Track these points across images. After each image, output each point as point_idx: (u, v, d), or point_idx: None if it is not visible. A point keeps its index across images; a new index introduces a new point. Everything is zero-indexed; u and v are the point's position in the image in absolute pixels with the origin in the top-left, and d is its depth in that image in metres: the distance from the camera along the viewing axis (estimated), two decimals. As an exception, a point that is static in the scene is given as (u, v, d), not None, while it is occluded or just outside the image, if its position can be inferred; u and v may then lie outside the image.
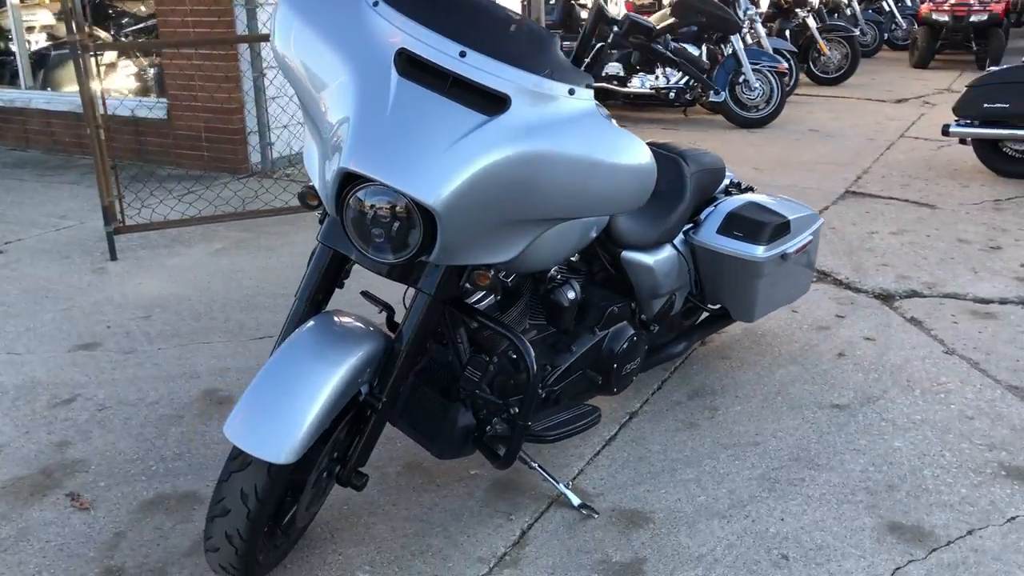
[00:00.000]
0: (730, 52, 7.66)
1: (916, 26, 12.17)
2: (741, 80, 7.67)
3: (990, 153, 5.91)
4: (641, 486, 2.52)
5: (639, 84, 7.74)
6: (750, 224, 2.83)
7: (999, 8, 11.40)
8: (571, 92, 1.91)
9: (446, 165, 1.77)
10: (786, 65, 7.91)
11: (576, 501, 2.42)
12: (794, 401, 2.98)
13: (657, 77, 7.65)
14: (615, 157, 1.90)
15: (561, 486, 2.45)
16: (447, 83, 1.87)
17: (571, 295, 2.45)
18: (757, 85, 7.68)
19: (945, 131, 5.88)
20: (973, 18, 11.28)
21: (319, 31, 2.01)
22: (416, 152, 1.78)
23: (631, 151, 1.92)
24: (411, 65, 1.89)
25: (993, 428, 2.78)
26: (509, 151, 1.80)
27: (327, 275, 2.14)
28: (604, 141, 1.90)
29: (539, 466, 2.46)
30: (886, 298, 3.85)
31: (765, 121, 7.79)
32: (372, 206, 1.84)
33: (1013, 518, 2.34)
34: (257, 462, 1.84)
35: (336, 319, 2.06)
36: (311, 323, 2.01)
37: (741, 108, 7.79)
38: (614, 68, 7.78)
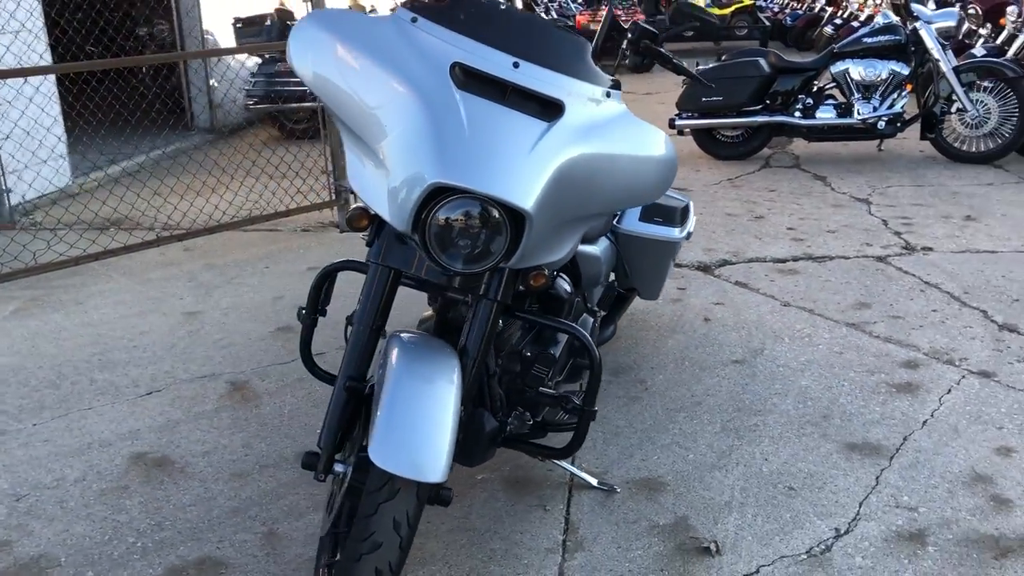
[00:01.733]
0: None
1: (577, 36, 13.43)
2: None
3: (707, 140, 6.83)
4: (633, 458, 2.72)
5: (832, 115, 6.53)
6: (664, 210, 3.14)
7: (641, 16, 12.98)
8: (608, 95, 2.09)
9: (529, 170, 1.85)
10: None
11: (594, 481, 2.57)
12: (701, 363, 3.35)
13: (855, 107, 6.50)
14: (651, 150, 2.10)
15: (578, 471, 2.58)
16: (505, 93, 1.94)
17: (567, 288, 2.59)
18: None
19: (671, 124, 6.69)
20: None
21: (358, 48, 1.99)
22: (501, 161, 1.84)
23: (661, 144, 2.14)
24: (466, 77, 1.94)
25: (861, 357, 3.35)
26: (573, 152, 1.92)
27: (387, 296, 2.10)
28: (641, 137, 2.09)
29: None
30: (705, 269, 4.39)
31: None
32: (458, 218, 1.86)
33: (925, 421, 2.87)
34: (406, 488, 1.80)
35: (414, 338, 2.04)
36: (400, 347, 1.96)
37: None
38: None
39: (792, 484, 2.55)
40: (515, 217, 1.87)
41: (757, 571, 2.19)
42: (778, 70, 6.46)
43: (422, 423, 1.80)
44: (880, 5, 10.96)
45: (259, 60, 8.01)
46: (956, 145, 6.45)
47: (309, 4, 4.91)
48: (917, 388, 3.09)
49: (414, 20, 2.02)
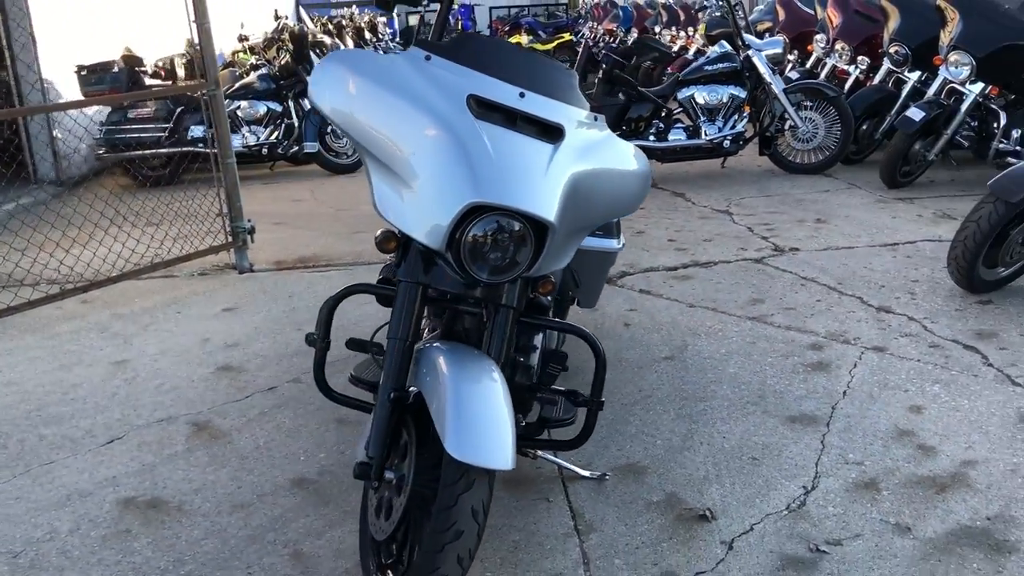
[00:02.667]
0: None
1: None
2: (329, 130, 8.14)
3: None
4: (609, 449, 2.98)
5: (683, 137, 7.04)
6: (603, 224, 3.43)
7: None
8: (595, 119, 2.37)
9: (548, 187, 2.10)
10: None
11: (585, 472, 2.80)
12: (636, 363, 3.66)
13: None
14: (633, 166, 2.40)
15: (568, 464, 2.81)
16: (514, 120, 2.19)
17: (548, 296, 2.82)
18: (344, 133, 8.22)
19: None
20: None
21: (379, 85, 2.18)
22: (525, 180, 2.08)
23: (641, 159, 2.45)
24: (480, 107, 2.17)
25: (772, 344, 3.77)
26: (577, 169, 2.19)
27: (418, 310, 2.25)
28: (625, 154, 2.39)
29: (539, 454, 2.78)
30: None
31: (357, 166, 8.36)
32: (488, 234, 2.07)
33: (844, 392, 3.30)
34: (480, 478, 1.96)
35: (448, 346, 2.21)
36: (442, 355, 2.12)
37: (334, 156, 8.27)
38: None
39: (754, 455, 2.89)
40: (537, 229, 2.10)
41: (751, 529, 2.49)
42: (632, 98, 6.98)
43: (487, 417, 1.97)
44: (692, 38, 11.89)
45: (108, 108, 7.77)
46: (791, 158, 7.18)
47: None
48: (828, 366, 3.52)
49: (428, 58, 2.23)
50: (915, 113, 6.06)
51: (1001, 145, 6.09)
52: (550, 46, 15.61)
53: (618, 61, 2.64)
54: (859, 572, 2.28)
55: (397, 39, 18.85)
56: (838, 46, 7.87)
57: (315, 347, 2.51)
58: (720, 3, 7.18)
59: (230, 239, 5.16)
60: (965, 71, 6.04)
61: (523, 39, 15.61)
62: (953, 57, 6.09)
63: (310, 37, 8.57)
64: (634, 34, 15.80)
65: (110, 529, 2.61)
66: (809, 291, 4.39)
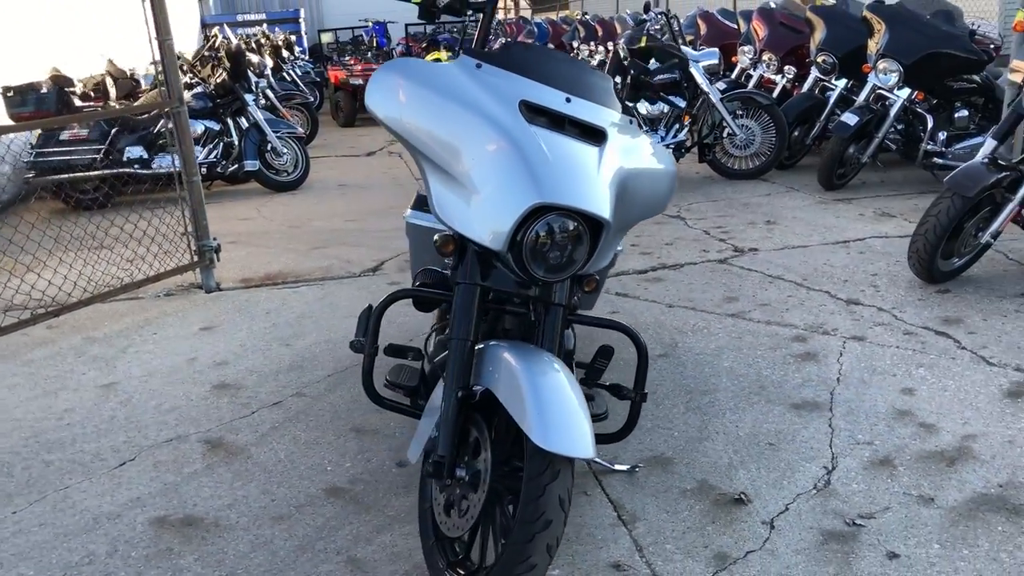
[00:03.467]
0: (252, 123, 7.99)
1: (335, 91, 13.63)
2: (269, 148, 8.06)
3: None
4: (630, 444, 3.08)
5: None
6: None
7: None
8: (630, 121, 2.49)
9: (600, 187, 2.21)
10: (302, 130, 8.53)
11: (619, 467, 2.89)
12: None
13: None
14: (665, 165, 2.52)
15: (599, 460, 2.89)
16: (563, 124, 2.28)
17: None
18: (285, 151, 8.16)
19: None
20: (382, 80, 13.11)
21: (435, 92, 2.24)
22: (581, 181, 2.17)
23: (669, 159, 2.57)
24: (530, 112, 2.25)
25: (757, 339, 3.94)
26: (622, 170, 2.30)
27: (477, 311, 2.30)
28: (658, 155, 2.51)
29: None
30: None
31: (298, 183, 8.30)
32: (550, 233, 2.15)
33: (838, 379, 3.48)
34: (564, 468, 2.03)
35: (511, 344, 2.27)
36: (509, 352, 2.18)
37: (275, 174, 8.18)
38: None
39: (770, 441, 3.02)
40: (591, 228, 2.19)
41: (786, 509, 2.62)
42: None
43: (566, 408, 2.04)
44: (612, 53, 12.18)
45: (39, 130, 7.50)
46: (729, 165, 7.46)
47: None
48: (816, 356, 3.71)
49: (479, 66, 2.30)
50: (850, 118, 6.39)
51: (929, 146, 6.46)
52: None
53: (644, 67, 2.78)
54: (897, 541, 2.43)
55: (307, 57, 18.68)
56: (765, 56, 8.21)
57: (363, 353, 2.53)
58: (658, 15, 7.43)
59: (196, 258, 5.07)
60: (894, 77, 6.40)
61: (443, 55, 15.69)
62: (882, 65, 6.44)
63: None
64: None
65: (151, 549, 2.57)
66: (778, 288, 4.59)
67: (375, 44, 18.79)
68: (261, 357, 4.02)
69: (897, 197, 6.54)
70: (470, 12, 2.56)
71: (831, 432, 3.05)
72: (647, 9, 7.53)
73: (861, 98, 6.67)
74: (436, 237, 2.29)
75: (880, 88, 6.55)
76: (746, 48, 8.49)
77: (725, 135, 7.27)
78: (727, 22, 9.74)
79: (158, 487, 2.92)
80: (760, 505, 2.64)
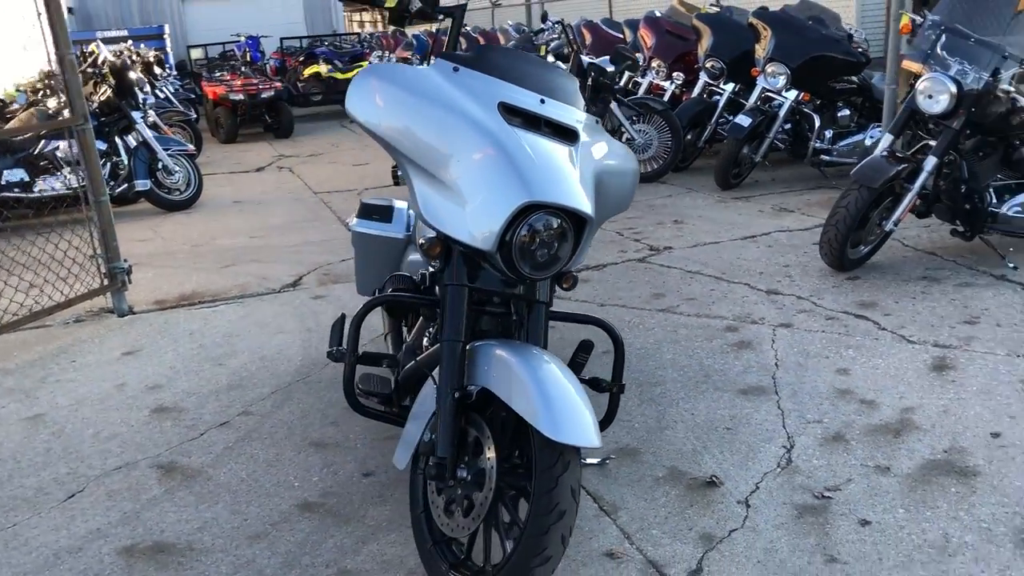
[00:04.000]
0: (141, 141, 7.70)
1: (214, 107, 13.25)
2: (160, 167, 7.78)
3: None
4: (592, 437, 3.14)
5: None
6: None
7: (279, 85, 13.26)
8: (596, 121, 2.56)
9: (581, 186, 2.27)
10: (193, 148, 8.27)
11: (589, 460, 2.94)
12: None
13: None
14: (628, 163, 2.61)
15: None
16: (539, 124, 2.34)
17: None
18: (177, 169, 7.90)
19: (395, 176, 7.11)
20: (263, 95, 12.85)
21: (416, 96, 2.26)
22: (564, 180, 2.23)
23: (632, 158, 2.66)
24: (508, 113, 2.30)
25: (691, 331, 4.08)
26: (595, 168, 2.38)
27: (465, 311, 2.31)
28: (622, 152, 2.59)
29: None
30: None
31: (191, 201, 8.04)
32: (537, 231, 2.20)
33: (776, 364, 3.65)
34: (573, 458, 2.07)
35: (502, 342, 2.29)
36: (503, 350, 2.19)
37: (167, 193, 7.91)
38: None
39: (727, 426, 3.15)
40: (574, 225, 2.25)
41: (757, 488, 2.74)
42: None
43: (570, 399, 2.08)
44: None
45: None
46: (629, 168, 7.66)
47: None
48: (750, 344, 3.87)
49: (456, 70, 2.32)
50: (743, 120, 6.69)
51: (817, 144, 6.83)
52: (350, 75, 15.58)
53: (604, 70, 2.87)
54: (865, 509, 2.58)
55: (175, 73, 18.09)
56: (654, 63, 8.49)
57: (343, 362, 2.50)
58: (555, 24, 7.58)
59: (106, 281, 4.86)
60: (782, 80, 6.74)
61: (322, 68, 15.51)
62: (770, 68, 6.77)
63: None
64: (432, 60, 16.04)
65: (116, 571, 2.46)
66: (700, 283, 4.76)
67: (248, 59, 18.34)
68: (195, 378, 3.89)
69: (789, 193, 6.88)
70: (441, 16, 2.57)
71: (781, 414, 3.20)
72: (544, 19, 7.68)
73: (752, 101, 6.99)
74: (422, 240, 2.29)
75: (769, 91, 6.88)
76: (637, 56, 8.73)
77: (624, 140, 7.47)
78: (612, 31, 10.00)
79: (117, 516, 2.79)
80: (732, 486, 2.75)
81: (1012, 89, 4.45)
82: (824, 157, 6.89)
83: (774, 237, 5.61)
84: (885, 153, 4.59)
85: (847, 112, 6.98)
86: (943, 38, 4.45)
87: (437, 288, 2.67)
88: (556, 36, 7.61)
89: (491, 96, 2.29)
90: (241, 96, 12.73)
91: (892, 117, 6.34)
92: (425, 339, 2.81)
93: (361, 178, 8.97)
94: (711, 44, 7.60)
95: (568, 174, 2.24)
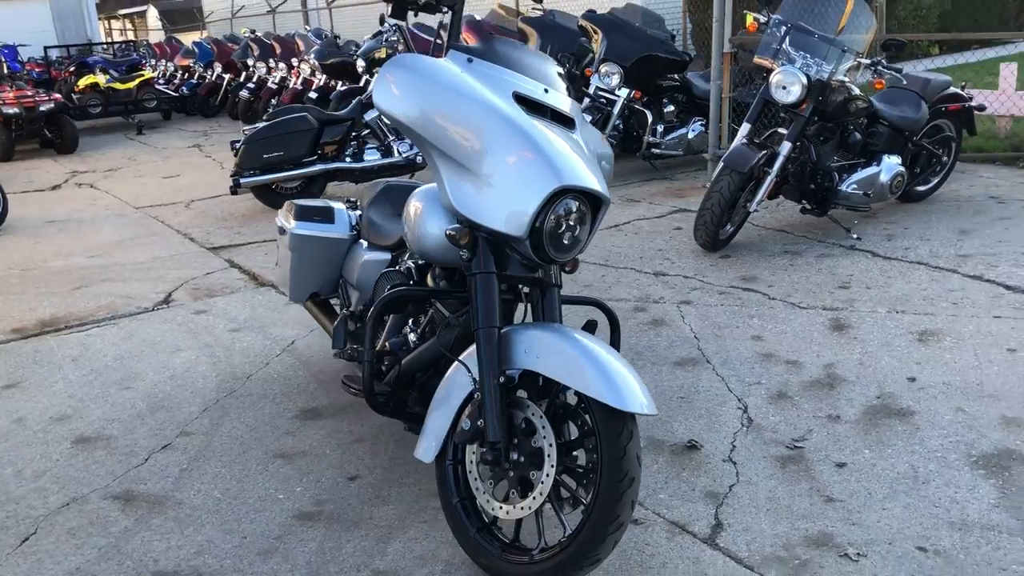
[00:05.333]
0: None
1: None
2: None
3: (269, 195, 7.12)
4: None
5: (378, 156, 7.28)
6: None
7: (59, 97, 12.26)
8: (580, 110, 2.70)
9: (594, 169, 2.41)
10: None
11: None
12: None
13: None
14: (607, 149, 2.76)
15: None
16: (545, 112, 2.44)
17: None
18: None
19: (237, 185, 6.85)
20: (43, 108, 11.82)
21: (440, 86, 2.30)
22: (583, 165, 2.35)
23: (607, 143, 2.81)
24: (520, 102, 2.39)
25: (604, 315, 4.27)
26: (592, 154, 2.53)
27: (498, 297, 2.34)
28: (600, 139, 2.74)
29: None
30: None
31: (-2, 223, 7.32)
32: (564, 214, 2.30)
33: (695, 336, 3.91)
34: (634, 425, 2.17)
35: (537, 324, 2.36)
36: (542, 330, 2.26)
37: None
38: None
39: (680, 395, 3.36)
40: (591, 208, 2.36)
41: (734, 447, 2.96)
42: (323, 122, 7.08)
43: (623, 369, 2.17)
44: (297, 69, 12.08)
45: None
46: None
47: None
48: (663, 321, 4.12)
49: (470, 60, 2.36)
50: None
51: (650, 139, 7.28)
52: (131, 85, 14.63)
53: (577, 61, 2.95)
54: (836, 453, 2.86)
55: None
56: (480, 66, 8.66)
57: (358, 362, 2.46)
58: (393, 27, 7.55)
59: (-44, 311, 4.36)
60: (615, 79, 7.13)
61: (100, 79, 14.43)
62: (604, 68, 7.14)
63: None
64: (217, 68, 15.48)
65: (142, 614, 2.29)
66: (589, 270, 4.98)
67: (6, 70, 16.75)
68: (106, 404, 3.61)
69: (630, 185, 7.28)
70: (444, 9, 2.57)
71: (722, 380, 3.45)
72: (383, 21, 7.63)
73: (586, 100, 7.31)
74: (450, 231, 2.30)
75: (602, 89, 7.24)
76: (459, 58, 8.85)
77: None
78: (424, 35, 10.09)
79: (93, 553, 2.57)
80: (711, 448, 2.95)
81: (848, 80, 5.01)
82: (655, 151, 7.34)
83: (636, 225, 5.94)
84: (745, 141, 5.01)
85: (672, 108, 7.47)
86: (790, 36, 4.92)
87: (430, 279, 2.68)
88: (394, 38, 7.58)
89: (505, 86, 2.34)
90: (16, 109, 11.62)
91: (718, 110, 6.90)
92: (412, 334, 2.79)
93: (179, 191, 8.51)
94: (538, 46, 7.86)
95: (583, 159, 2.34)
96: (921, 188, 5.87)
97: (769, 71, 4.98)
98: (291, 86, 12.19)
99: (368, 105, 7.31)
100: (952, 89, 5.78)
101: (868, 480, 2.69)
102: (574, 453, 2.27)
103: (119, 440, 3.27)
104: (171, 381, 3.80)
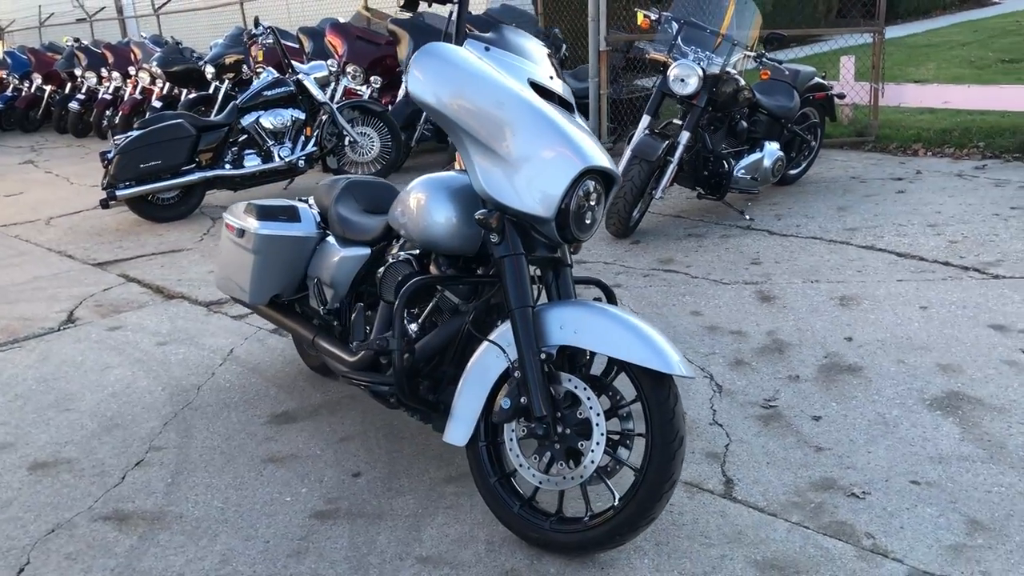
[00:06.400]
0: None
1: None
2: None
3: (145, 206, 6.80)
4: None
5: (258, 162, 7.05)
6: None
7: None
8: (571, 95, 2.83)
9: (604, 151, 2.55)
10: None
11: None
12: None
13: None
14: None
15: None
16: (553, 98, 2.55)
17: None
18: None
19: (112, 198, 6.50)
20: None
21: (468, 74, 2.39)
22: (598, 147, 2.48)
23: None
24: (533, 88, 2.49)
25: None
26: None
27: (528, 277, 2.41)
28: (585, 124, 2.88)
29: None
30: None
31: None
32: (583, 195, 2.42)
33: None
34: (677, 388, 2.29)
35: (564, 301, 2.45)
36: (572, 308, 2.35)
37: None
38: None
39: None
40: (605, 189, 2.48)
41: (714, 411, 3.15)
42: (200, 129, 6.83)
43: (660, 337, 2.29)
44: (135, 77, 11.51)
45: None
46: (352, 172, 7.73)
47: None
48: (602, 305, 4.28)
49: (487, 49, 2.43)
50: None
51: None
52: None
53: (558, 49, 2.99)
54: (809, 408, 3.10)
55: None
56: (349, 69, 8.58)
57: (386, 353, 2.47)
58: (267, 30, 7.34)
59: None
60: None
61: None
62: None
63: None
64: (37, 79, 14.52)
65: None
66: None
67: None
68: (50, 428, 3.39)
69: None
70: (453, 1, 2.59)
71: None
72: (257, 23, 7.43)
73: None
74: (479, 215, 2.35)
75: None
76: (329, 62, 8.68)
77: (347, 143, 7.52)
78: (289, 43, 9.86)
79: (105, 575, 2.44)
80: (694, 414, 3.13)
81: (736, 71, 5.36)
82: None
83: (538, 218, 6.08)
84: (647, 132, 5.26)
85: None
86: (683, 31, 5.22)
87: (434, 268, 2.71)
88: (270, 40, 7.38)
89: (521, 73, 2.43)
90: None
91: (597, 106, 7.18)
92: (414, 324, 2.80)
93: (31, 208, 7.94)
94: (413, 47, 7.89)
95: (596, 141, 2.45)
96: (793, 172, 6.34)
97: (665, 65, 5.25)
98: (128, 96, 11.59)
99: (244, 109, 7.11)
100: (816, 79, 6.28)
101: (846, 429, 2.94)
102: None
103: (82, 462, 3.09)
104: (114, 399, 3.61)
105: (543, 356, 2.32)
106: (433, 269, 2.72)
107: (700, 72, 5.09)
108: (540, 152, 2.30)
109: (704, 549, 2.37)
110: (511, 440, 2.41)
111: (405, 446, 3.03)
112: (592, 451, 2.29)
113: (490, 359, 2.43)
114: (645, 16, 5.45)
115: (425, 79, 2.32)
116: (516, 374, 2.34)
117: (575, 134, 2.36)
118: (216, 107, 9.82)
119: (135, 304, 4.84)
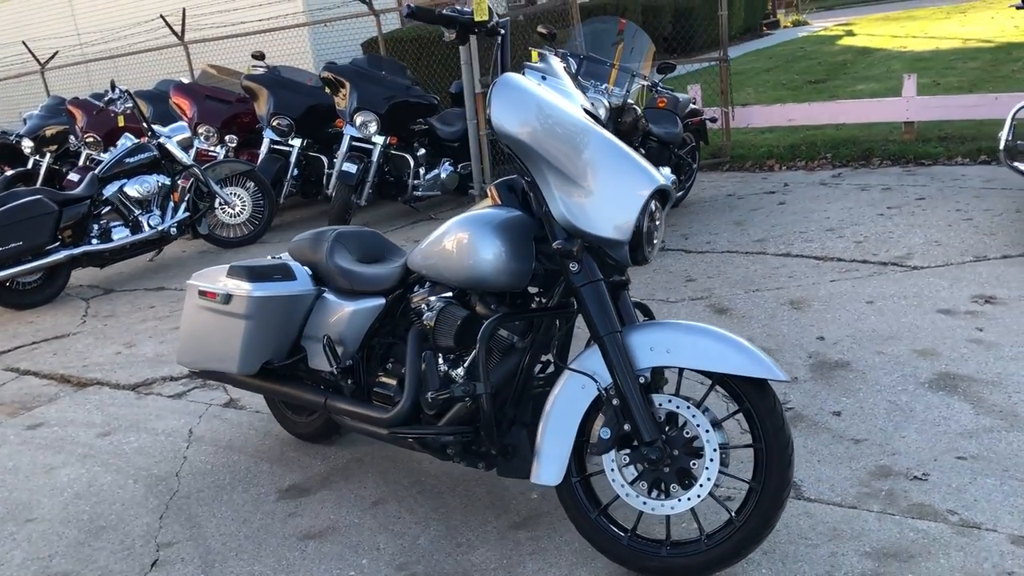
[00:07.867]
0: None
1: None
2: None
3: (5, 294, 6.15)
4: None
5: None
6: None
7: None
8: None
9: None
10: None
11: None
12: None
13: None
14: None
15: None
16: (600, 123, 2.58)
17: None
18: None
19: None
20: None
21: (540, 103, 2.36)
22: (653, 168, 2.52)
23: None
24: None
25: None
26: None
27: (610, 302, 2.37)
28: None
29: None
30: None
31: None
32: (654, 213, 2.45)
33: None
34: (776, 392, 2.32)
35: (640, 324, 2.43)
36: (651, 328, 2.34)
37: None
38: None
39: (646, 392, 3.55)
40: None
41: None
42: (61, 204, 6.29)
43: (751, 346, 2.32)
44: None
45: None
46: (225, 235, 7.35)
47: None
48: (565, 336, 4.28)
49: (544, 78, 2.42)
50: (349, 167, 6.95)
51: (415, 182, 7.37)
52: None
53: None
54: (824, 404, 3.23)
55: None
56: (201, 130, 8.18)
57: (482, 398, 2.37)
58: (124, 93, 6.82)
59: None
60: (373, 126, 7.14)
61: None
62: (359, 118, 7.13)
63: None
64: None
65: None
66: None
67: None
68: (23, 545, 2.99)
69: (403, 229, 7.32)
70: (502, 30, 2.54)
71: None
72: (113, 87, 6.93)
73: (343, 150, 7.19)
74: (558, 245, 2.30)
75: (357, 139, 7.20)
76: (179, 124, 8.23)
77: (218, 205, 7.16)
78: (142, 100, 9.23)
79: None
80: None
81: (634, 102, 5.56)
82: (416, 193, 7.46)
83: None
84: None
85: (423, 151, 7.64)
86: (584, 66, 5.37)
87: (480, 307, 2.62)
88: (129, 104, 6.87)
89: (575, 100, 2.43)
90: None
91: (478, 149, 7.23)
92: (460, 368, 2.69)
93: None
94: (273, 103, 7.66)
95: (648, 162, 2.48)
96: (679, 194, 6.63)
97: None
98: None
99: (105, 179, 6.62)
100: (692, 106, 6.62)
101: (870, 419, 3.08)
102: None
103: (85, 573, 2.73)
104: (81, 500, 3.23)
105: (642, 380, 2.28)
106: (480, 308, 2.63)
107: (607, 103, 5.24)
108: (615, 178, 2.30)
109: (811, 550, 2.40)
110: (612, 470, 2.35)
111: (448, 500, 2.89)
112: (707, 468, 2.28)
113: (574, 390, 2.37)
114: (540, 55, 5.54)
115: (504, 112, 2.28)
116: (615, 402, 2.30)
117: (639, 158, 2.38)
118: (39, 182, 9.11)
119: (44, 398, 4.36)
